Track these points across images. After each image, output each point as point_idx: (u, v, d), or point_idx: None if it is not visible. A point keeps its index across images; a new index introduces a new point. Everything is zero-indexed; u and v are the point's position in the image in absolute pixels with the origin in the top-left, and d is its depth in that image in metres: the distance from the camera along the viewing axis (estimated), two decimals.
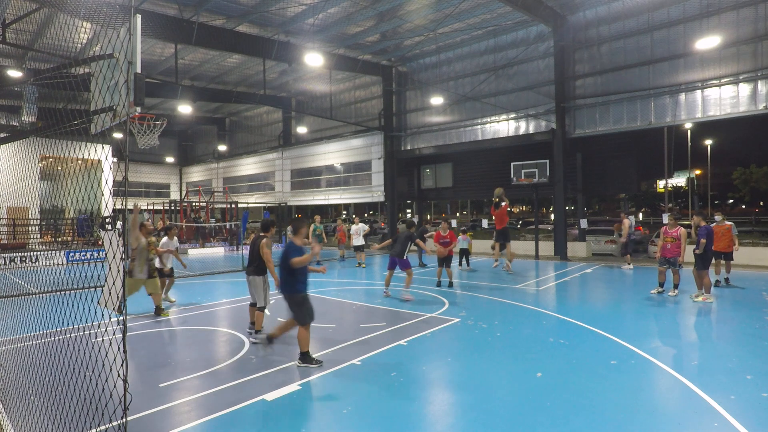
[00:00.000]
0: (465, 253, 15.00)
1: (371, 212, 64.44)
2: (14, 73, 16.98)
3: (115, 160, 12.62)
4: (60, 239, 20.86)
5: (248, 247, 7.36)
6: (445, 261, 11.58)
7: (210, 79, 25.37)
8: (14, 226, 20.20)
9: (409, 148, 23.30)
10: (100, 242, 17.00)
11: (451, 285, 11.48)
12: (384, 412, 4.32)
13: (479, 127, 20.69)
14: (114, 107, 3.00)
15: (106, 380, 3.28)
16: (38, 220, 19.83)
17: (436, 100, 20.56)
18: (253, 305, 7.08)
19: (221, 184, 35.10)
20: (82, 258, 16.18)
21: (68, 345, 6.35)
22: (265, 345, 6.46)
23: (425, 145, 22.57)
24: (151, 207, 29.59)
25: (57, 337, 6.70)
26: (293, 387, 4.93)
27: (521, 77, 19.22)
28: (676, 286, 9.90)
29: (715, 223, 10.27)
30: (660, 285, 10.08)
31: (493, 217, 14.41)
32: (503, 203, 13.85)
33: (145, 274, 8.10)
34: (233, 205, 27.45)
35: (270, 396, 4.68)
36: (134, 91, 2.75)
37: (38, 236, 20.33)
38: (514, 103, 19.37)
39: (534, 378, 5.11)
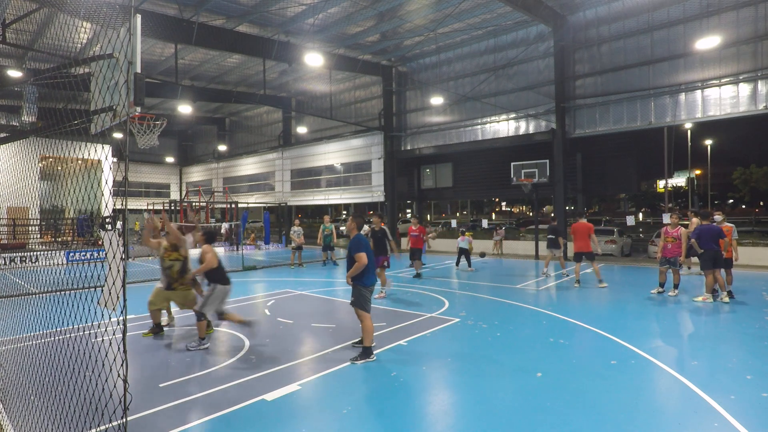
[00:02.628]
0: (465, 253, 14.94)
1: (371, 212, 64.43)
2: (14, 73, 16.98)
3: (115, 160, 12.62)
4: (60, 239, 20.86)
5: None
6: (414, 254, 12.98)
7: (210, 79, 25.37)
8: (14, 226, 20.20)
9: (409, 148, 23.30)
10: (100, 242, 17.00)
11: (418, 276, 12.90)
12: (384, 412, 4.32)
13: (479, 127, 20.69)
14: (114, 107, 3.00)
15: (106, 380, 3.28)
16: (38, 220, 19.83)
17: (436, 100, 20.56)
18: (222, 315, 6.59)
19: (221, 184, 35.10)
20: (82, 258, 16.18)
21: (68, 345, 6.35)
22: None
23: (425, 145, 22.58)
24: (151, 207, 29.60)
25: (57, 337, 6.69)
26: (293, 387, 4.93)
27: (521, 77, 19.22)
28: (676, 286, 9.88)
29: (714, 224, 9.85)
30: (660, 285, 10.07)
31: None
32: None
33: (164, 284, 6.95)
34: (233, 205, 27.47)
35: (270, 396, 4.68)
36: (134, 91, 2.75)
37: (38, 236, 20.34)
38: (514, 103, 19.38)
39: (534, 378, 5.11)
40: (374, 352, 5.91)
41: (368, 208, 64.56)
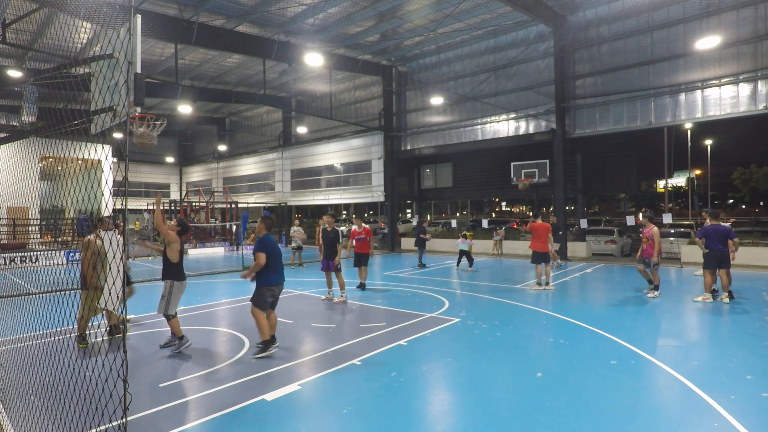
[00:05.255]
0: (465, 254, 14.96)
1: (371, 212, 64.41)
2: (14, 73, 16.98)
3: (115, 160, 12.63)
4: (60, 239, 20.87)
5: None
6: (360, 260, 11.05)
7: (210, 79, 25.37)
8: (14, 226, 20.21)
9: (409, 148, 23.30)
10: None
11: (361, 287, 11.10)
12: (384, 412, 4.32)
13: (479, 127, 20.69)
14: (114, 107, 3.01)
15: (106, 380, 3.28)
16: (38, 220, 19.83)
17: (436, 100, 20.56)
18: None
19: (221, 184, 35.10)
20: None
21: (68, 345, 6.35)
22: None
23: (425, 145, 22.57)
24: (151, 207, 29.61)
25: (57, 337, 6.69)
26: (293, 387, 4.93)
27: (521, 77, 19.22)
28: (656, 287, 9.75)
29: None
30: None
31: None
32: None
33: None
34: (233, 205, 27.46)
35: (270, 396, 4.68)
36: (134, 91, 2.75)
37: (38, 236, 20.34)
38: (514, 103, 19.37)
39: (534, 378, 5.11)
40: (276, 343, 6.12)
41: (368, 208, 64.63)
